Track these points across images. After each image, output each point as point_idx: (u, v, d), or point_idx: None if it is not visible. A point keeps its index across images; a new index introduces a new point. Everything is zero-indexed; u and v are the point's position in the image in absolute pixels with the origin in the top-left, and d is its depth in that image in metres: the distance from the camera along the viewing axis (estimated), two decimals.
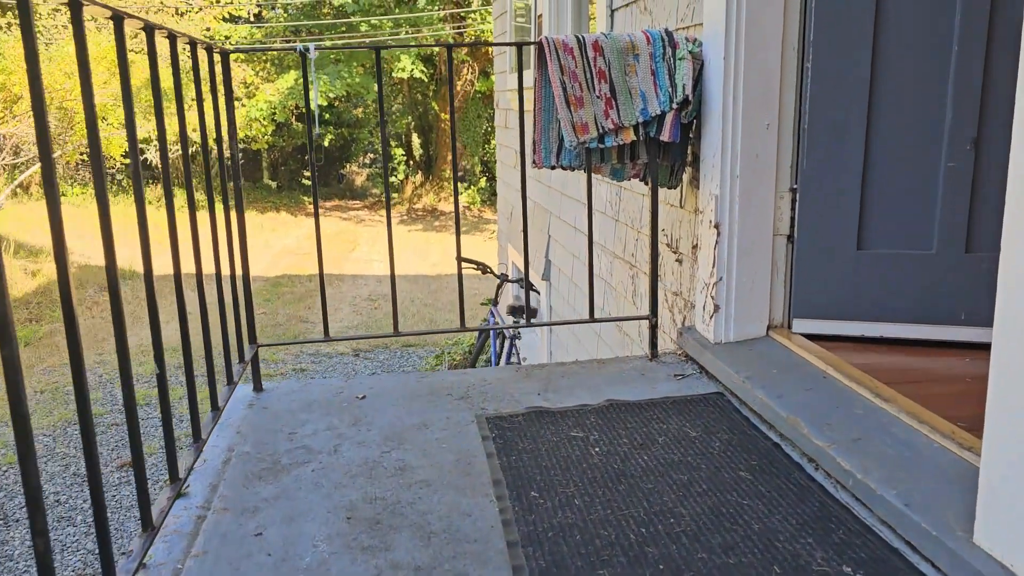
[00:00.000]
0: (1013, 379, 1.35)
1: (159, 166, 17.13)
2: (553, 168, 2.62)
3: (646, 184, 2.74)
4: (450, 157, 22.42)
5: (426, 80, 21.58)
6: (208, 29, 19.21)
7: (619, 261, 3.65)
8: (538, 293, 5.95)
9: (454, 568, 1.61)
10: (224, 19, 19.62)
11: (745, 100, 2.38)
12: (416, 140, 23.94)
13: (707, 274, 2.54)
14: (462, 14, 20.58)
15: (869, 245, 2.42)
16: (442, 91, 21.45)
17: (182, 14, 19.01)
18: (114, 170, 18.87)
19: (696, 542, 1.65)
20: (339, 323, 10.50)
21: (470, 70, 21.01)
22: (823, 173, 2.41)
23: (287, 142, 22.83)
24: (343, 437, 2.23)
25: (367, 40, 20.14)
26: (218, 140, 2.24)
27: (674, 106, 2.45)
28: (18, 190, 17.35)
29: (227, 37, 19.58)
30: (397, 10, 20.36)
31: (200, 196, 2.45)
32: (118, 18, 1.38)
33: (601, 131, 2.48)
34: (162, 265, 1.85)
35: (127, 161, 18.03)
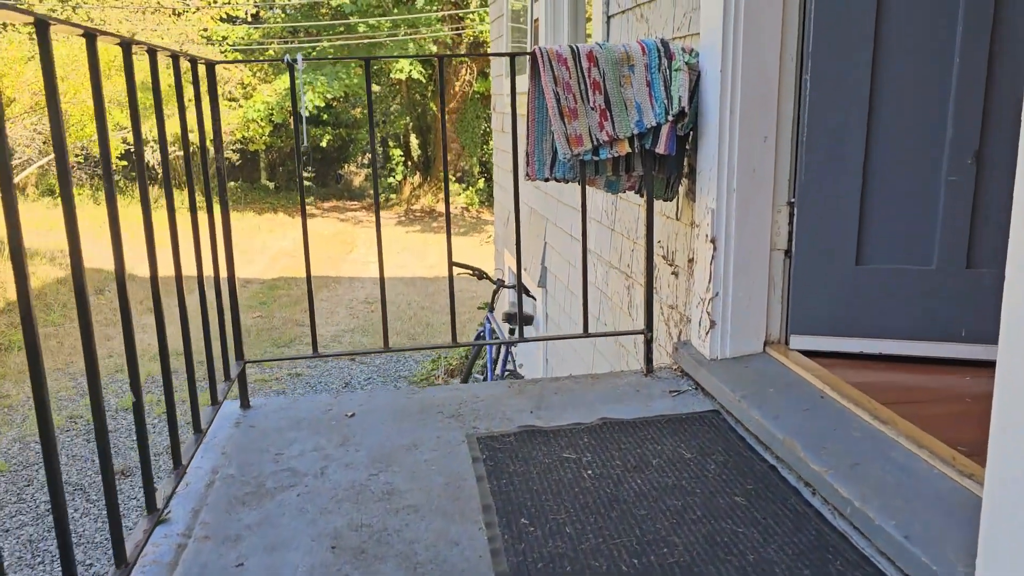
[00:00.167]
0: (1018, 407, 1.30)
1: (157, 171, 17.11)
2: (547, 180, 2.57)
3: (641, 196, 2.69)
4: (448, 158, 22.40)
5: (424, 81, 21.53)
6: (205, 30, 19.17)
7: (615, 271, 3.61)
8: (534, 299, 5.90)
9: None
10: (222, 19, 19.56)
11: (742, 112, 2.33)
12: (414, 141, 23.88)
13: (703, 289, 2.50)
14: (460, 15, 20.52)
15: (868, 260, 2.37)
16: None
17: (179, 14, 18.96)
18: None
19: (690, 574, 1.60)
20: (335, 327, 10.45)
21: (468, 71, 20.97)
22: (822, 186, 2.36)
23: (285, 143, 22.76)
24: (330, 458, 2.18)
25: (365, 41, 20.09)
26: (202, 151, 2.19)
27: (670, 118, 2.40)
28: (15, 191, 17.25)
29: (224, 38, 19.54)
30: (396, 10, 20.31)
31: (186, 208, 2.39)
32: (90, 36, 1.33)
33: (595, 143, 2.43)
34: (146, 272, 1.79)
35: (123, 163, 18.00)
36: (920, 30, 2.23)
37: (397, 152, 23.62)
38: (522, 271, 5.99)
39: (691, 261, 2.62)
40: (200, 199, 2.13)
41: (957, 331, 2.34)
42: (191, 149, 2.30)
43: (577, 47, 2.41)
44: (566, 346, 4.81)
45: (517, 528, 1.79)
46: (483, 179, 21.96)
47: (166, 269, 1.76)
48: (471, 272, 5.98)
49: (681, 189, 2.68)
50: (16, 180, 16.01)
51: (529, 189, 5.51)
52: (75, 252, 1.32)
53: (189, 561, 1.71)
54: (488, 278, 6.04)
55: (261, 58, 19.28)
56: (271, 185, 24.01)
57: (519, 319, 2.90)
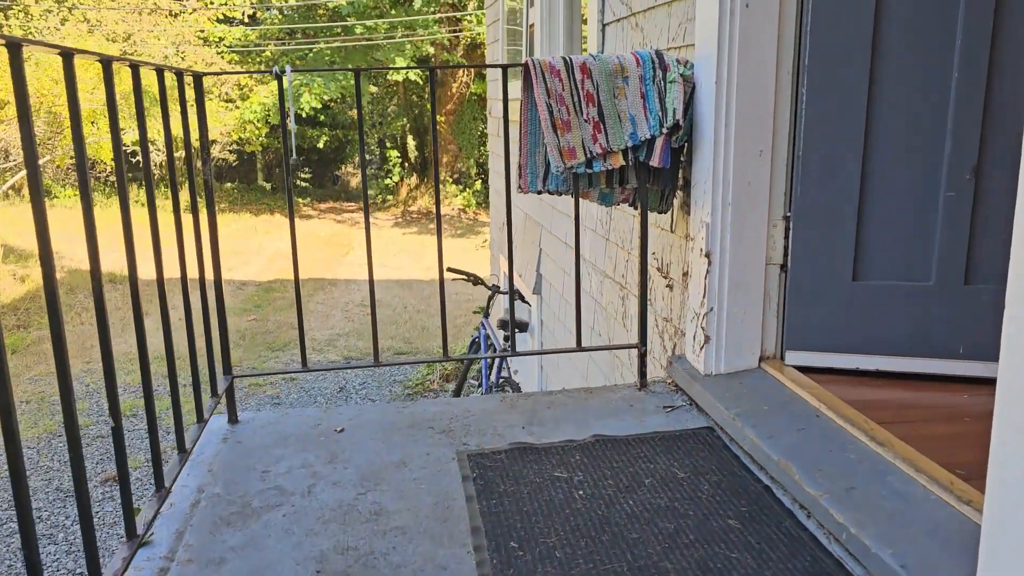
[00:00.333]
0: (1019, 434, 1.27)
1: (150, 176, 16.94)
2: (540, 193, 2.54)
3: (635, 209, 2.65)
4: (445, 159, 22.37)
5: (421, 83, 21.48)
6: (202, 31, 19.12)
7: (609, 281, 3.57)
8: (529, 305, 5.87)
9: None
10: (218, 20, 19.50)
11: (738, 125, 2.30)
12: (411, 142, 23.84)
13: (698, 303, 2.46)
14: (458, 16, 20.49)
15: (865, 276, 2.34)
16: (438, 94, 21.34)
17: (176, 15, 18.91)
18: (105, 174, 18.76)
19: None
20: (329, 330, 10.41)
21: (466, 72, 20.92)
22: (818, 201, 2.33)
23: (282, 144, 22.69)
24: (318, 476, 2.14)
25: (362, 43, 20.04)
26: (188, 164, 2.16)
27: (664, 130, 2.37)
28: (10, 192, 17.23)
29: (221, 39, 19.48)
30: (393, 12, 20.26)
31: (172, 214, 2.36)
32: (67, 55, 1.30)
33: (589, 156, 2.39)
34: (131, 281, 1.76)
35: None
36: (918, 44, 2.20)
37: (394, 153, 23.57)
38: (518, 278, 5.94)
39: (686, 275, 2.59)
40: (188, 209, 2.09)
41: (955, 348, 2.31)
42: (181, 158, 2.26)
43: (570, 58, 2.38)
44: (561, 355, 4.78)
45: (506, 552, 1.75)
46: (480, 180, 21.93)
47: (151, 282, 1.73)
48: (466, 278, 5.95)
49: (676, 202, 2.65)
50: (11, 182, 15.92)
51: (524, 196, 5.48)
52: (48, 273, 1.28)
53: None
54: (483, 284, 6.01)
55: (250, 69, 19.21)
56: (268, 186, 23.95)
57: (511, 327, 2.87)
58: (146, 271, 1.68)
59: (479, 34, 19.72)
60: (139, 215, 1.80)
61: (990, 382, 2.16)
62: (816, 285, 2.37)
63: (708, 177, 2.36)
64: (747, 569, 1.66)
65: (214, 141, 19.11)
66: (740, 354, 2.44)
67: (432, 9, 20.12)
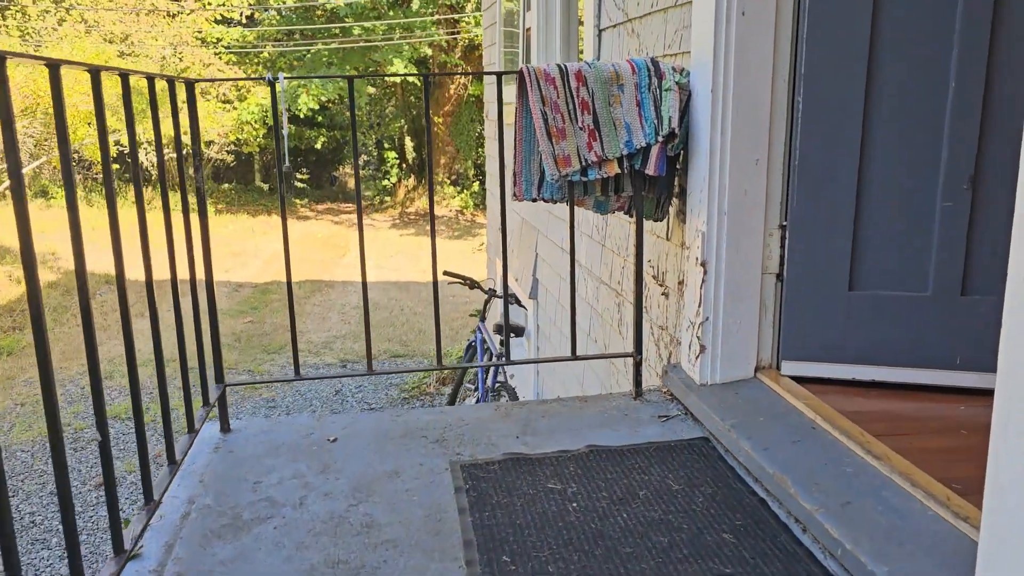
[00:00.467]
0: (1016, 452, 1.25)
1: (153, 178, 17.01)
2: (534, 201, 2.52)
3: (631, 217, 2.64)
4: (443, 160, 22.37)
5: (419, 84, 21.46)
6: (200, 31, 19.09)
7: (605, 287, 3.56)
8: (524, 309, 5.85)
9: None
10: (216, 21, 19.48)
11: (734, 134, 2.29)
12: (409, 143, 23.82)
13: (693, 313, 2.45)
14: (456, 18, 20.47)
15: (861, 285, 2.33)
16: (435, 95, 21.34)
17: (174, 16, 18.88)
18: (101, 175, 18.73)
19: None
20: (326, 333, 10.39)
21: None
22: (814, 210, 2.31)
23: (275, 149, 22.66)
24: (310, 487, 2.12)
25: (360, 45, 20.02)
26: (180, 173, 2.14)
27: (660, 139, 2.35)
28: (7, 192, 17.18)
29: (218, 39, 19.45)
30: (391, 13, 20.25)
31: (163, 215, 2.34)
32: (53, 66, 1.28)
33: (584, 164, 2.38)
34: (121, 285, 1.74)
35: (116, 166, 17.88)
36: (915, 54, 2.19)
37: (392, 155, 23.56)
38: (514, 282, 5.92)
39: (681, 283, 2.57)
40: (181, 213, 2.07)
41: (952, 359, 2.29)
42: (180, 166, 2.24)
43: (565, 66, 2.36)
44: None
45: (498, 566, 1.74)
46: (478, 182, 21.91)
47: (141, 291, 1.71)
48: (462, 281, 5.93)
49: (671, 210, 2.63)
50: (8, 182, 15.93)
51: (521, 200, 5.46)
52: (33, 291, 1.27)
53: None
54: (480, 288, 5.99)
55: (247, 70, 19.19)
56: (265, 187, 23.92)
57: (506, 334, 2.85)
58: (138, 275, 1.66)
59: (477, 36, 19.71)
60: (133, 219, 1.78)
61: (986, 393, 2.15)
62: (812, 295, 2.36)
63: (704, 186, 2.34)
64: None
65: (211, 142, 19.08)
66: (736, 364, 2.43)
67: (430, 11, 20.11)
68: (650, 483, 2.08)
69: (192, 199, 2.23)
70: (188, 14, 18.77)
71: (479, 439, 2.39)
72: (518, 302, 5.94)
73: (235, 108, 19.54)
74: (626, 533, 1.85)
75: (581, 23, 4.54)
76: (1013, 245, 1.26)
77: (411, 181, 23.43)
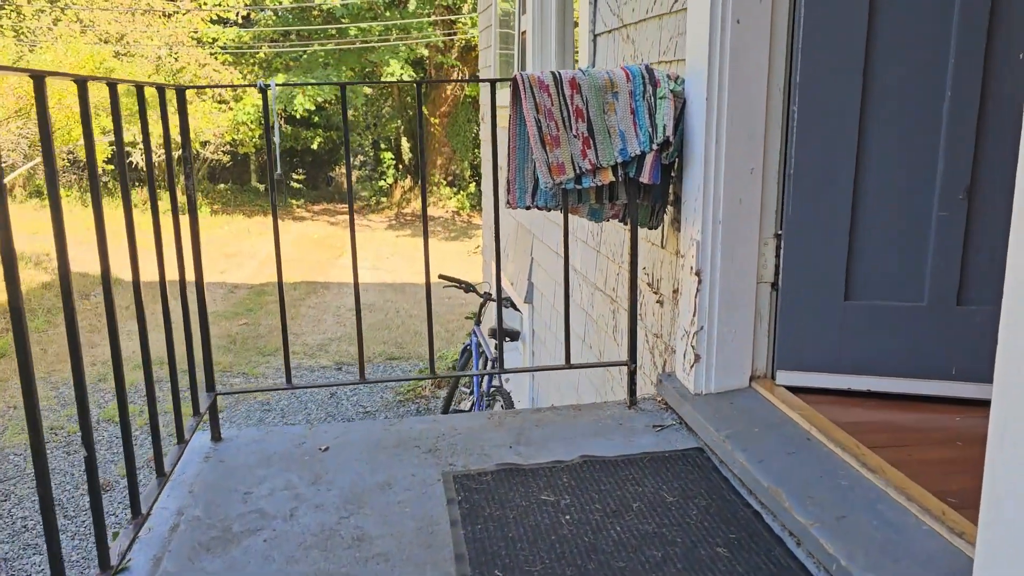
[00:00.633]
0: (1013, 469, 1.24)
1: (140, 182, 16.97)
2: (528, 208, 2.50)
3: (625, 225, 2.62)
4: (439, 161, 22.35)
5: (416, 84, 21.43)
6: (195, 31, 19.04)
7: (600, 294, 3.54)
8: (519, 312, 5.83)
9: None
10: (212, 21, 19.43)
11: (728, 142, 2.27)
12: (405, 144, 23.79)
13: (688, 322, 2.43)
14: (452, 19, 20.45)
15: (857, 295, 2.31)
16: (432, 95, 21.32)
17: (169, 16, 18.84)
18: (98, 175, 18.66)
19: None
20: (321, 335, 10.36)
21: (460, 75, 20.90)
22: (809, 220, 2.30)
23: (279, 139, 22.60)
24: (301, 499, 2.11)
25: (356, 46, 19.99)
26: (170, 182, 2.12)
27: (654, 147, 2.34)
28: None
29: (214, 39, 19.41)
30: (387, 14, 20.22)
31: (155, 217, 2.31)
32: (37, 78, 1.26)
33: (578, 172, 2.36)
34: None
35: (111, 167, 17.86)
36: (911, 62, 2.17)
37: (388, 155, 23.52)
38: (509, 286, 5.90)
39: (676, 291, 2.56)
40: (176, 215, 2.05)
41: (947, 369, 2.28)
42: (172, 173, 2.22)
43: (559, 73, 2.34)
44: (551, 364, 4.74)
45: None
46: (474, 183, 21.89)
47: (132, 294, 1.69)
48: (458, 285, 5.91)
49: (666, 217, 2.62)
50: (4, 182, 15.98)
51: None
52: (11, 279, 1.25)
53: None
54: (475, 291, 5.97)
55: (241, 71, 19.15)
56: (261, 187, 23.87)
57: (499, 342, 2.83)
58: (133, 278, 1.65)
59: (474, 37, 19.69)
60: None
61: (982, 404, 2.14)
62: (808, 304, 2.34)
63: (699, 195, 2.33)
64: None
65: (207, 142, 19.04)
66: (730, 373, 2.41)
67: (427, 11, 20.08)
68: (644, 495, 2.07)
69: (183, 201, 2.21)
70: (184, 14, 18.72)
71: (472, 449, 2.37)
72: (513, 306, 5.93)
73: (231, 108, 19.51)
74: (619, 547, 1.84)
75: (576, 23, 4.52)
76: (1010, 255, 1.24)
77: (407, 182, 23.40)
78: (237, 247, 16.22)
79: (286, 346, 2.51)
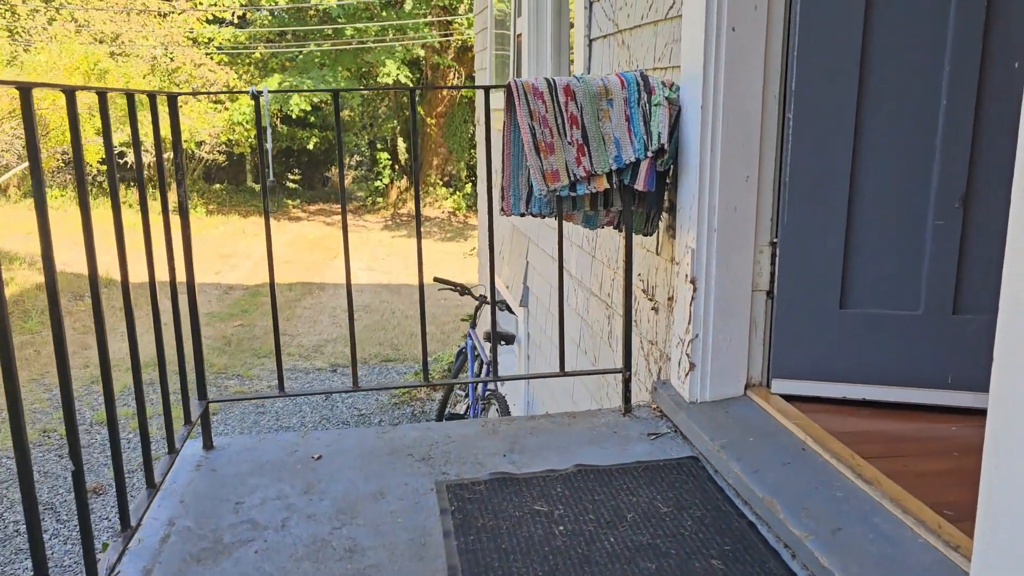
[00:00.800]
0: (1009, 485, 1.23)
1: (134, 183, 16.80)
2: (523, 215, 2.49)
3: (620, 232, 2.61)
4: (436, 162, 22.32)
5: (412, 84, 21.42)
6: (191, 31, 18.99)
7: (595, 299, 3.53)
8: (514, 314, 5.82)
9: None
10: (207, 21, 19.39)
11: (724, 150, 2.26)
12: (401, 144, 23.76)
13: (683, 330, 2.42)
14: (448, 20, 20.43)
15: (852, 304, 2.30)
16: (428, 96, 21.29)
17: (165, 16, 18.79)
18: (90, 175, 18.61)
19: None
20: (317, 336, 10.34)
21: (456, 76, 20.89)
22: (805, 228, 2.29)
23: (272, 145, 22.57)
24: (293, 509, 2.09)
25: (352, 46, 19.96)
26: (161, 190, 2.10)
27: (649, 154, 2.32)
28: None
29: (210, 39, 19.36)
30: (384, 14, 20.19)
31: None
32: (24, 89, 1.24)
33: (573, 179, 2.35)
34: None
35: (103, 167, 17.79)
36: (906, 70, 2.17)
37: (384, 156, 23.49)
38: (504, 289, 5.88)
39: (671, 299, 2.55)
40: (168, 220, 2.03)
41: (943, 378, 2.27)
42: (164, 178, 2.20)
43: (554, 80, 2.33)
44: (547, 369, 4.73)
45: None
46: (470, 183, 21.88)
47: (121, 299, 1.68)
48: (453, 287, 5.90)
49: (661, 224, 2.60)
50: None
51: None
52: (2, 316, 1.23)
53: None
54: (470, 294, 5.96)
55: (231, 82, 19.09)
56: (256, 187, 23.82)
57: (493, 349, 2.82)
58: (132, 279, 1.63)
59: (470, 37, 19.67)
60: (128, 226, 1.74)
61: (978, 413, 2.13)
62: (803, 312, 2.33)
63: (694, 203, 2.31)
64: None
65: (202, 142, 18.98)
66: (725, 382, 2.40)
67: (423, 11, 20.06)
68: (638, 505, 2.05)
69: (173, 201, 2.19)
70: (179, 14, 18.68)
71: (466, 457, 2.36)
72: (508, 309, 5.91)
73: (227, 109, 19.46)
74: (613, 559, 1.82)
75: (572, 25, 4.50)
76: (1007, 264, 1.23)
77: (403, 182, 23.38)
78: (232, 247, 16.18)
79: (278, 353, 2.50)
